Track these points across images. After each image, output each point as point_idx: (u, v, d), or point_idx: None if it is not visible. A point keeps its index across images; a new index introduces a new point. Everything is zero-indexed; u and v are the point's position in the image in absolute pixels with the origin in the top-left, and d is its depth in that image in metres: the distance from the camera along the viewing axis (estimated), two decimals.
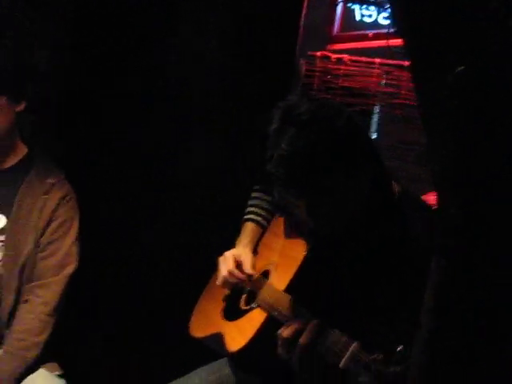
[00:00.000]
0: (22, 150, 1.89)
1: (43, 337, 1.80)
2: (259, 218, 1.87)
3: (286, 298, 1.50)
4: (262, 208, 1.88)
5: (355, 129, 1.36)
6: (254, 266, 1.76)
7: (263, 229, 1.87)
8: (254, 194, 1.91)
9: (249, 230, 1.85)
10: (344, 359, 1.26)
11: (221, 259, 1.76)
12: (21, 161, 1.87)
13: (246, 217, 1.89)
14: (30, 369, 1.77)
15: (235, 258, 1.74)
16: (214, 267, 1.81)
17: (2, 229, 1.81)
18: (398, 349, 1.19)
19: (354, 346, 1.26)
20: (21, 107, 1.80)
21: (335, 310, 1.40)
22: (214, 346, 1.81)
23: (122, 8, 2.47)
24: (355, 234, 1.45)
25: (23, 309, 1.80)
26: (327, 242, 1.52)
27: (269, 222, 1.87)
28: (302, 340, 1.36)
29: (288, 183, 1.34)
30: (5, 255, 1.80)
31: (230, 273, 1.70)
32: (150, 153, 2.58)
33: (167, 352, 2.45)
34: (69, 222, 1.87)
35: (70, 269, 1.86)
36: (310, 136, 1.29)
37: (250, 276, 1.70)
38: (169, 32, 2.51)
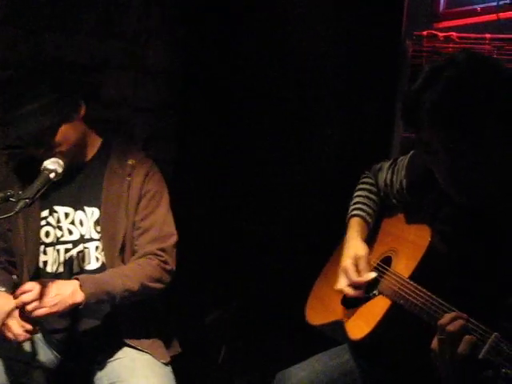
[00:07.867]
0: (97, 141, 1.95)
1: (152, 285, 1.79)
2: (364, 214, 1.81)
3: (412, 285, 1.46)
4: (366, 204, 1.82)
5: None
6: (372, 255, 1.74)
7: (367, 224, 1.81)
8: (360, 186, 1.87)
9: (355, 223, 1.80)
10: (484, 350, 1.19)
11: (341, 270, 1.70)
12: (98, 151, 1.93)
13: (351, 213, 1.83)
14: (113, 309, 1.78)
15: (354, 264, 1.68)
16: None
17: (98, 220, 1.86)
18: None
19: (494, 335, 1.19)
20: (81, 114, 1.85)
21: (464, 298, 1.34)
22: (331, 334, 1.80)
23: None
24: (491, 211, 1.39)
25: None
26: (454, 224, 1.47)
27: (373, 217, 1.82)
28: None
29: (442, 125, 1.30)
30: (104, 243, 1.84)
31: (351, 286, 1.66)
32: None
33: (285, 338, 2.47)
34: (158, 195, 1.90)
35: (172, 240, 1.89)
36: (465, 82, 1.28)
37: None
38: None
